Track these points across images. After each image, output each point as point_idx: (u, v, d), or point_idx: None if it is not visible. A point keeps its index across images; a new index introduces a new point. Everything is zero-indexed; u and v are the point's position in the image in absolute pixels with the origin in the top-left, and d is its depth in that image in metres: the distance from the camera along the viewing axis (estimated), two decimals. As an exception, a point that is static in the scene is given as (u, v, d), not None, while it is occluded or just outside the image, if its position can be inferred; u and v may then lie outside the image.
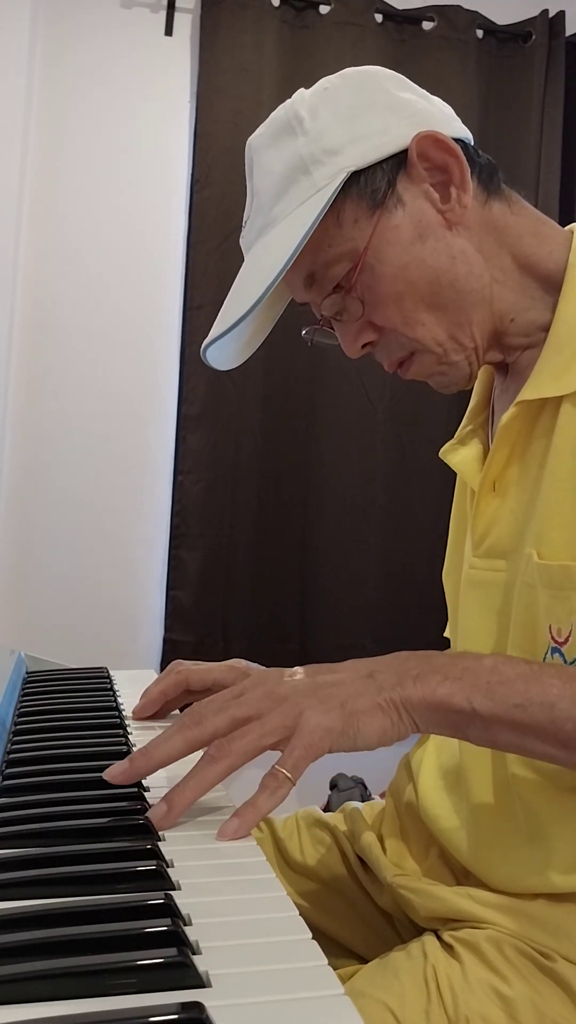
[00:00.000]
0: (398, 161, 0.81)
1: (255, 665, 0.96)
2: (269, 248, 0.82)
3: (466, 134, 0.86)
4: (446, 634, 1.06)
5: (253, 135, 0.87)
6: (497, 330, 0.83)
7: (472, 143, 0.86)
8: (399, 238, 0.80)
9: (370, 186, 0.80)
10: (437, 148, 0.80)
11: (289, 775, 0.61)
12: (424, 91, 0.87)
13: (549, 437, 0.77)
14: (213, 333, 0.84)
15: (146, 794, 0.67)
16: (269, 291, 0.79)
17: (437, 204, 0.81)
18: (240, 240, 0.89)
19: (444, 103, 0.87)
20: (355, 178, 0.80)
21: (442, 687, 0.65)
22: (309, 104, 0.83)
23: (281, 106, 0.85)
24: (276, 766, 0.62)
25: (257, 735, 0.62)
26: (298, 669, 0.69)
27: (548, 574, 0.75)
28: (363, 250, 0.80)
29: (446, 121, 0.84)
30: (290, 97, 0.85)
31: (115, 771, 0.65)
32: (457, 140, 0.82)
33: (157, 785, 0.70)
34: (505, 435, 0.81)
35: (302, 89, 0.85)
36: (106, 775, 0.65)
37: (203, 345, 0.86)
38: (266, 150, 0.84)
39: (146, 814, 0.61)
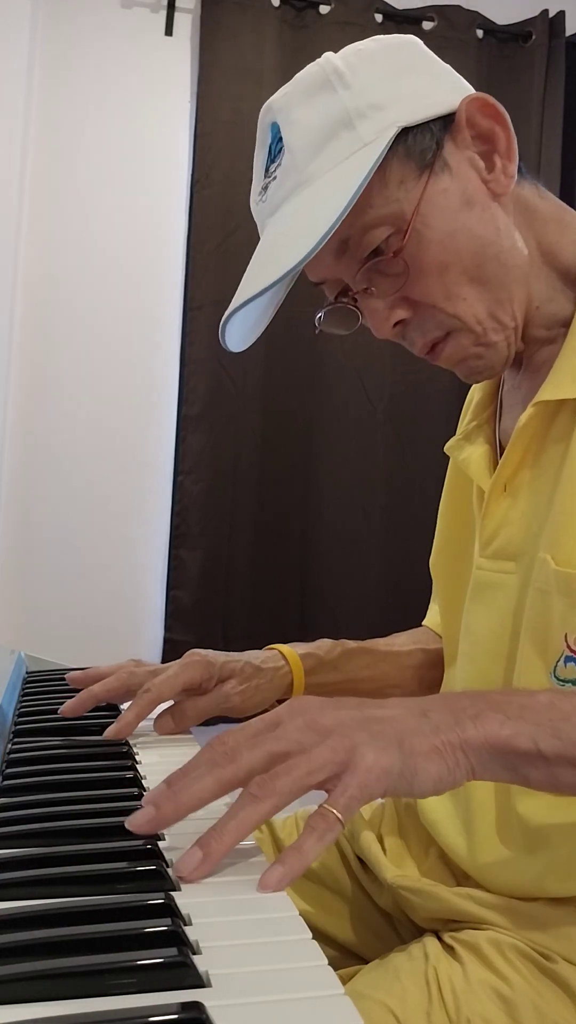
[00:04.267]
0: (444, 124, 0.77)
1: (211, 651, 0.90)
2: (308, 207, 0.76)
3: None
4: (425, 623, 1.06)
5: (276, 96, 0.81)
6: (528, 315, 0.80)
7: None
8: (448, 203, 0.76)
9: (419, 145, 0.76)
10: (485, 114, 0.77)
11: (340, 816, 0.53)
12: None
13: (567, 440, 0.75)
14: (247, 292, 0.76)
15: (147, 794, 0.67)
16: (322, 243, 0.72)
17: (482, 173, 0.77)
18: (256, 207, 0.83)
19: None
20: (403, 136, 0.75)
21: (505, 727, 0.59)
22: (345, 62, 0.78)
23: (311, 66, 0.80)
24: (326, 805, 0.53)
25: (304, 771, 0.54)
26: (339, 699, 0.61)
27: (566, 582, 0.73)
28: (411, 214, 0.75)
29: None
30: None
31: (139, 820, 0.55)
32: None
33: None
34: (521, 436, 0.79)
35: (328, 53, 0.80)
36: (129, 825, 0.56)
37: (229, 310, 0.78)
38: (298, 107, 0.78)
39: (176, 864, 0.53)
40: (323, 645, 1.00)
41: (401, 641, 1.06)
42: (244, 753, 0.56)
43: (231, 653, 0.93)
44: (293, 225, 0.77)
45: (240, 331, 0.83)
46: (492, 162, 0.78)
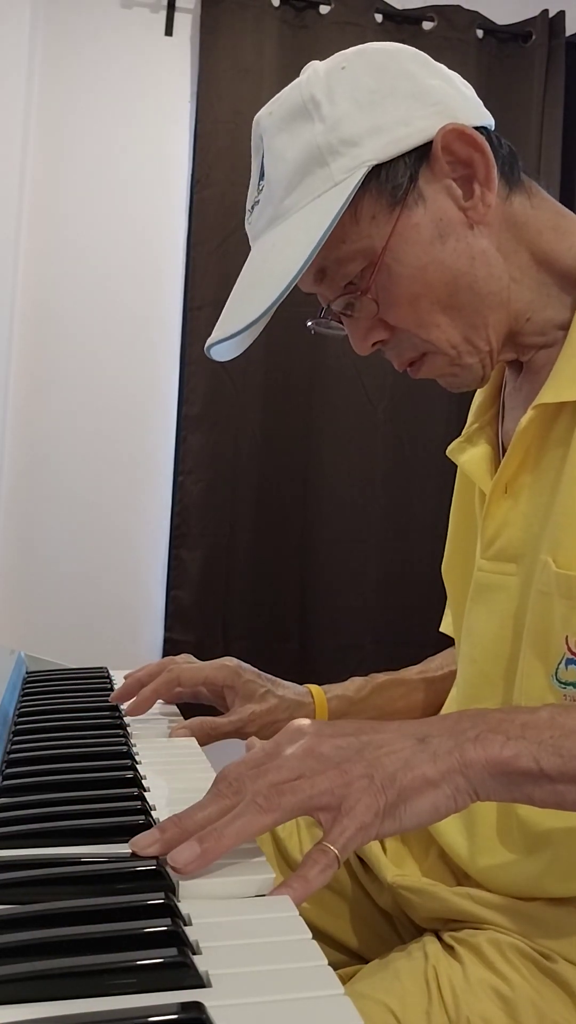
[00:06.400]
0: (420, 154, 0.77)
1: (246, 664, 0.97)
2: (281, 245, 0.78)
3: (489, 120, 0.82)
4: (442, 629, 1.06)
5: (263, 112, 0.82)
6: (513, 330, 0.81)
7: (494, 127, 0.82)
8: (419, 237, 0.76)
9: (391, 181, 0.76)
10: (463, 142, 0.76)
11: (339, 856, 0.54)
12: (447, 71, 0.82)
13: (567, 442, 0.75)
14: (220, 333, 0.80)
15: (147, 794, 0.67)
16: (282, 297, 0.75)
17: (459, 201, 0.77)
18: (246, 224, 0.85)
19: (466, 83, 0.83)
20: (375, 172, 0.76)
21: (506, 749, 0.59)
22: (326, 86, 0.78)
23: (294, 84, 0.80)
24: (326, 843, 0.55)
25: (307, 795, 0.56)
26: (337, 723, 0.63)
27: (567, 585, 0.73)
28: (381, 249, 0.76)
29: (470, 107, 0.80)
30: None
31: (143, 842, 0.56)
32: (480, 128, 0.79)
33: (158, 786, 0.70)
34: (522, 439, 0.79)
35: (315, 63, 0.80)
36: (132, 846, 0.56)
37: (208, 343, 0.82)
38: (278, 133, 0.79)
39: (170, 854, 0.54)
40: (352, 684, 1.02)
41: (435, 665, 1.07)
42: (248, 785, 0.57)
43: (263, 674, 0.98)
44: (264, 265, 0.79)
45: (231, 342, 0.84)
46: (471, 189, 0.77)
